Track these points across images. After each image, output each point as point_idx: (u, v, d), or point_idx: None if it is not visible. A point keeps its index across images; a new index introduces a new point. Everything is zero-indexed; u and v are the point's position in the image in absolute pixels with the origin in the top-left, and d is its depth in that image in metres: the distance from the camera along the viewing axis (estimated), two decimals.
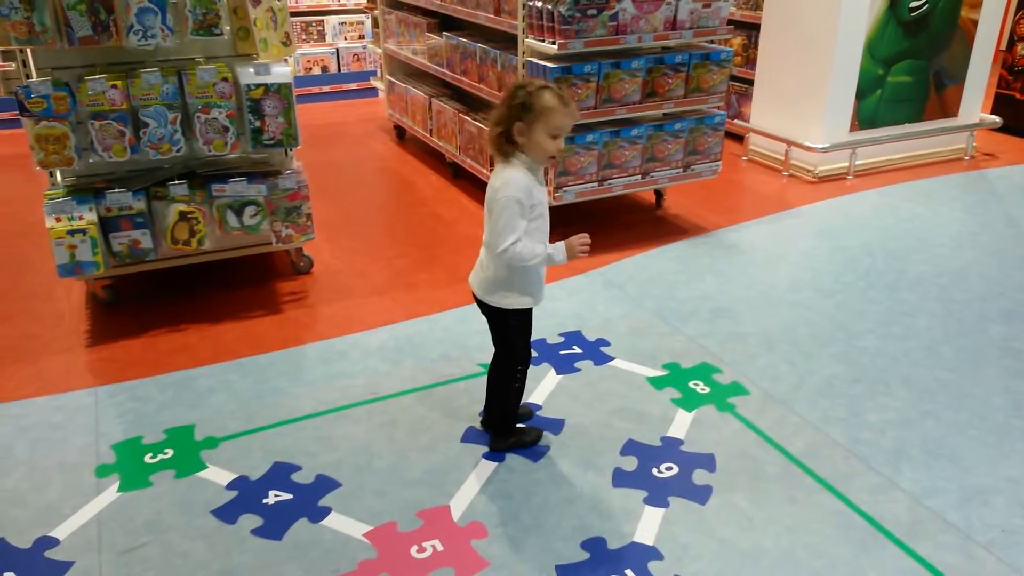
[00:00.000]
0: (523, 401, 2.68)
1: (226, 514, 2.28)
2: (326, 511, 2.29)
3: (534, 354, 2.91)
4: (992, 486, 2.38)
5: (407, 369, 3.00)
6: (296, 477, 2.43)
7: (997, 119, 5.62)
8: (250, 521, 2.26)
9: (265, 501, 2.33)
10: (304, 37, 7.11)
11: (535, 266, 2.27)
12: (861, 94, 5.00)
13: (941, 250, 4.04)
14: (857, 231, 4.28)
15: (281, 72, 3.21)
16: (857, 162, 5.10)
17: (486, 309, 2.41)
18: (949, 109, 5.37)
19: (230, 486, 2.39)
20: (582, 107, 3.82)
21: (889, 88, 5.08)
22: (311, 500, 2.33)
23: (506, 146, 2.20)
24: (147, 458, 2.52)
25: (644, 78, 3.91)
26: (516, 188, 2.17)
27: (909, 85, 5.15)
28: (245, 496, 2.35)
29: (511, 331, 2.42)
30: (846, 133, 5.05)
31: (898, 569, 2.08)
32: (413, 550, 2.14)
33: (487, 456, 2.51)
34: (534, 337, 3.17)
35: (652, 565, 2.09)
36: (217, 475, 2.44)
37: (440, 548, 2.14)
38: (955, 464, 2.48)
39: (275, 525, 2.24)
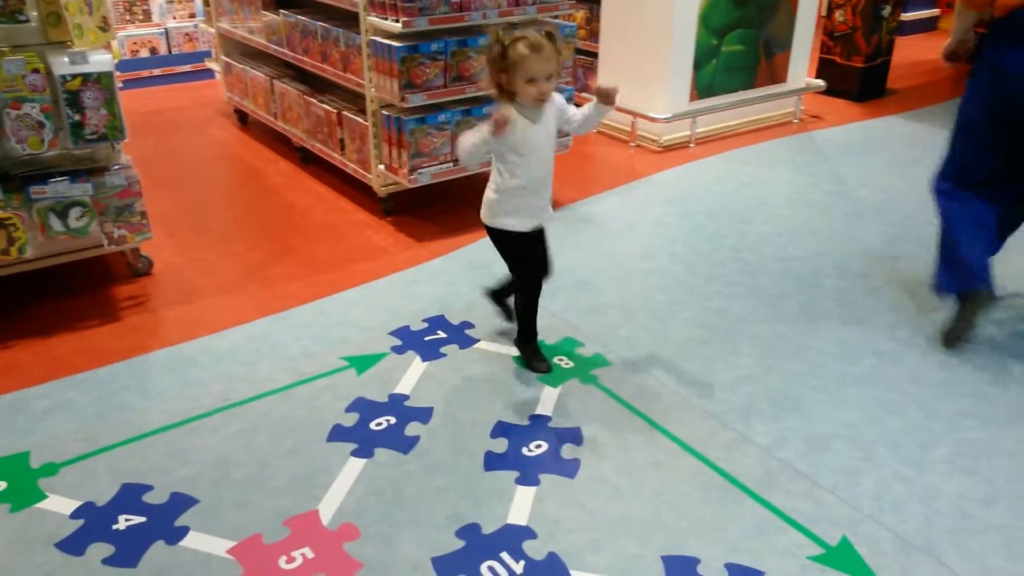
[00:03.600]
0: (393, 391, 2.66)
1: (72, 546, 2.11)
2: (184, 531, 2.16)
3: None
4: (833, 432, 2.56)
5: (264, 370, 2.87)
6: (148, 498, 2.28)
7: (821, 83, 6.00)
8: (100, 551, 2.10)
9: (115, 527, 2.17)
10: (128, 18, 6.61)
11: (480, 157, 2.69)
12: (698, 64, 5.20)
13: (778, 211, 4.29)
14: (702, 197, 4.47)
15: (100, 60, 2.96)
16: (698, 130, 5.32)
17: (487, 230, 2.75)
18: (778, 75, 5.68)
19: (75, 515, 2.21)
20: (430, 87, 3.76)
21: (723, 57, 5.31)
22: (167, 521, 2.20)
23: (502, 96, 2.53)
24: None
25: None
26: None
27: (741, 54, 5.40)
28: (92, 524, 2.19)
29: (505, 251, 2.77)
30: (686, 103, 5.25)
31: (755, 521, 2.20)
32: (282, 561, 2.06)
33: (355, 453, 2.45)
34: (397, 324, 3.15)
35: (527, 545, 2.12)
36: (59, 504, 2.25)
37: (311, 555, 2.07)
38: (799, 414, 2.65)
39: (128, 552, 2.09)
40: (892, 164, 4.96)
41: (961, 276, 3.00)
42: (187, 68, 6.77)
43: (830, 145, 5.34)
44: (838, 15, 6.17)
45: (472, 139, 2.58)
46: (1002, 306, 3.31)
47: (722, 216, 4.20)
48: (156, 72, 6.65)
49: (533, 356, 2.88)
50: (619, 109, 5.36)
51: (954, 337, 2.99)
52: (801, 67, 5.80)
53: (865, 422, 2.61)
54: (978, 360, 2.94)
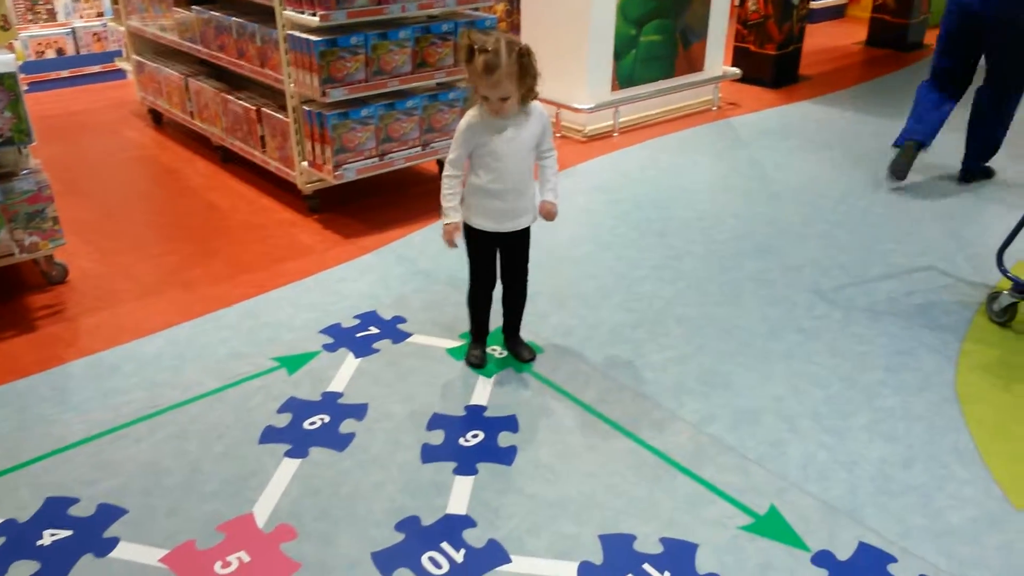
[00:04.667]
0: (326, 389, 2.66)
1: None
2: (113, 542, 2.10)
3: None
4: (760, 406, 2.65)
5: (191, 375, 2.80)
6: (74, 511, 2.21)
7: (737, 71, 6.17)
8: (25, 568, 2.02)
9: (40, 543, 2.10)
10: (31, 17, 6.32)
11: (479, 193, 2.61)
12: (618, 55, 5.28)
13: (699, 196, 4.39)
14: (626, 185, 4.55)
15: (3, 61, 2.83)
16: (620, 119, 5.40)
17: None
18: (696, 64, 5.81)
19: None
20: (351, 81, 3.72)
21: (642, 47, 5.41)
22: (94, 533, 2.13)
23: (474, 95, 2.49)
24: None
25: (413, 48, 3.87)
26: (463, 121, 2.53)
27: (660, 43, 5.50)
28: (15, 541, 2.10)
29: (467, 246, 2.71)
30: (608, 93, 5.32)
31: (687, 495, 2.26)
32: (217, 566, 2.02)
33: (289, 454, 2.42)
34: (328, 322, 3.11)
35: (467, 533, 2.13)
36: None
37: (247, 559, 2.04)
38: (727, 390, 2.73)
39: (55, 567, 2.02)
40: (806, 148, 5.14)
41: (904, 133, 4.45)
42: (97, 69, 6.52)
43: (747, 131, 5.50)
44: (751, 4, 6.35)
45: (444, 193, 2.61)
46: (914, 279, 3.47)
47: (647, 203, 4.29)
48: (64, 74, 6.38)
49: (469, 349, 2.90)
50: (543, 100, 5.40)
51: (893, 171, 4.40)
52: (717, 56, 5.94)
53: (790, 395, 2.70)
54: (892, 331, 3.08)
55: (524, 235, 2.71)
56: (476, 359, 2.85)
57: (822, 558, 2.04)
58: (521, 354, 2.88)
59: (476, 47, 2.37)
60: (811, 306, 3.26)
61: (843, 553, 2.06)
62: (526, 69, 2.39)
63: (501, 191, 2.56)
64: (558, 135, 5.37)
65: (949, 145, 4.67)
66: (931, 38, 7.87)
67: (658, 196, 4.38)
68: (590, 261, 3.65)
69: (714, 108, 5.95)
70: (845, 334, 3.06)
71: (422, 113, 4.02)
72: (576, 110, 5.18)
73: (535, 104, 2.54)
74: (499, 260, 2.75)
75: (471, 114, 2.53)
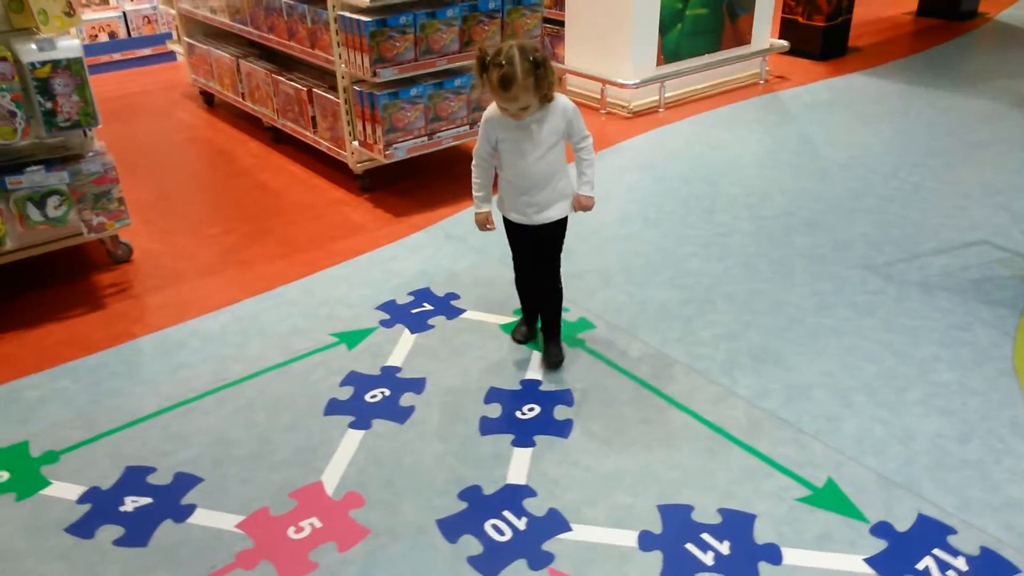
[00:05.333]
0: (385, 364, 2.76)
1: (82, 529, 2.15)
2: (191, 509, 2.21)
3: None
4: (812, 382, 2.66)
5: (255, 349, 2.90)
6: (152, 479, 2.32)
7: (785, 43, 6.08)
8: (110, 532, 2.14)
9: (122, 509, 2.21)
10: (84, 2, 6.46)
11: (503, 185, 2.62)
12: (663, 29, 5.24)
13: (747, 171, 4.37)
14: (673, 161, 4.54)
15: (69, 46, 2.93)
16: (666, 95, 5.38)
17: None
18: (743, 37, 5.74)
19: (81, 499, 2.24)
20: (401, 61, 3.77)
21: (688, 21, 5.36)
22: (173, 500, 2.24)
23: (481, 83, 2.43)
24: None
25: (460, 27, 3.90)
26: (485, 113, 2.51)
27: (706, 17, 5.45)
28: (99, 507, 2.22)
29: (506, 232, 2.71)
30: (653, 68, 5.29)
31: (743, 468, 2.30)
32: (291, 531, 2.11)
33: (353, 425, 2.50)
34: (383, 299, 3.19)
35: (527, 503, 2.19)
36: (64, 490, 2.28)
37: (319, 525, 2.13)
38: (779, 366, 2.75)
39: (138, 532, 2.13)
40: (856, 121, 5.07)
41: None
42: (148, 51, 6.66)
43: (795, 105, 5.43)
44: None
45: (474, 185, 2.63)
46: (967, 254, 3.44)
47: (694, 179, 4.28)
48: (116, 57, 6.52)
49: (516, 324, 2.96)
50: (588, 76, 5.41)
51: None
52: (764, 28, 5.86)
53: (842, 371, 2.71)
54: (946, 307, 3.06)
55: (555, 227, 2.61)
56: (520, 335, 2.91)
57: (881, 529, 2.07)
58: (546, 357, 2.76)
59: (489, 60, 2.30)
60: (863, 281, 3.25)
61: (902, 524, 2.09)
62: (542, 79, 2.31)
63: (525, 187, 2.52)
64: (603, 111, 5.36)
65: (1000, 122, 4.58)
66: (986, 5, 7.68)
67: (705, 172, 4.37)
68: (637, 238, 3.67)
69: (761, 82, 5.88)
70: (898, 309, 3.05)
71: (469, 92, 4.05)
72: (621, 85, 5.16)
73: (558, 98, 2.45)
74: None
75: (492, 108, 2.47)
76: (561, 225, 2.63)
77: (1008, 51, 6.58)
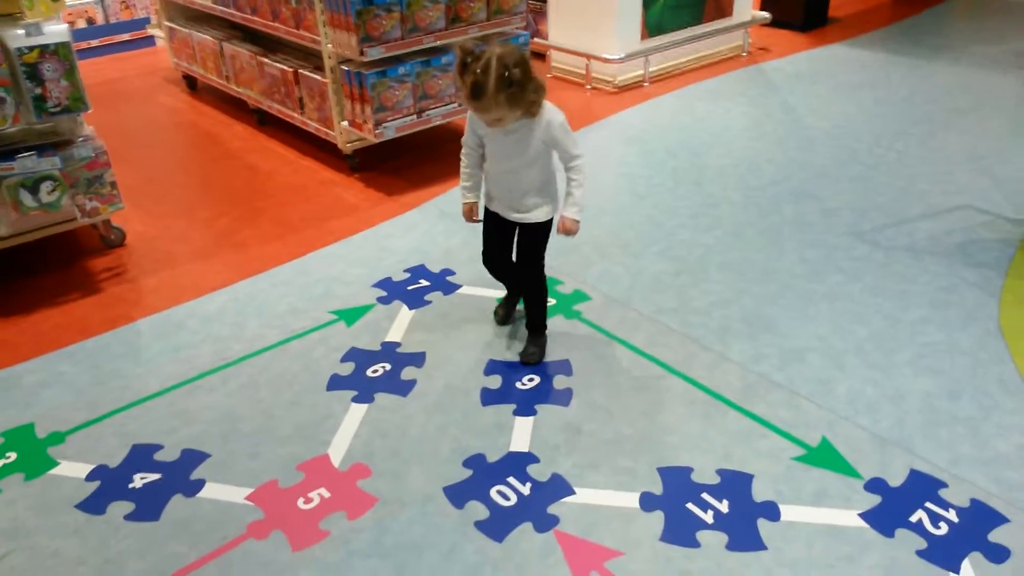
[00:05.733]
0: (384, 339, 2.80)
1: (92, 506, 2.18)
2: (200, 483, 2.24)
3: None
4: (805, 346, 2.72)
5: (254, 329, 2.92)
6: (159, 456, 2.35)
7: (767, 15, 6.11)
8: (121, 508, 2.17)
9: (131, 485, 2.24)
10: None
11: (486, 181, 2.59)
12: (646, 3, 5.25)
13: (734, 143, 4.41)
14: (660, 135, 4.57)
15: (56, 31, 2.91)
16: (651, 69, 5.40)
17: None
18: (725, 9, 5.76)
19: (89, 477, 2.27)
20: (388, 39, 3.76)
21: None
22: (182, 475, 2.27)
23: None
24: None
25: (447, 3, 3.89)
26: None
27: None
28: (108, 484, 2.25)
29: None
30: (637, 42, 5.31)
31: (739, 430, 2.36)
32: (300, 502, 2.15)
33: (356, 400, 2.53)
34: (379, 276, 3.21)
35: (531, 468, 2.24)
36: (72, 469, 2.31)
37: (327, 495, 2.17)
38: (772, 332, 2.80)
39: (149, 507, 2.17)
40: (839, 91, 5.12)
41: None
42: (126, 36, 6.59)
43: (779, 76, 5.47)
44: None
45: (461, 175, 2.59)
46: (952, 218, 3.51)
47: (681, 152, 4.32)
48: (94, 43, 6.45)
49: (499, 303, 2.94)
50: (573, 52, 5.41)
51: None
52: (746, 0, 5.88)
53: (834, 335, 2.77)
54: (933, 270, 3.12)
55: (537, 228, 2.53)
56: (498, 317, 2.89)
57: (875, 485, 2.14)
58: (522, 352, 2.69)
59: (468, 64, 2.20)
60: (850, 248, 3.31)
61: (895, 480, 2.15)
62: (516, 96, 2.20)
63: (508, 186, 2.48)
64: (588, 87, 5.38)
65: (980, 88, 4.64)
66: None
67: (692, 144, 4.40)
68: (628, 211, 3.70)
69: (744, 54, 5.92)
70: (886, 273, 3.11)
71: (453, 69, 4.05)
72: (606, 60, 5.18)
73: (545, 110, 2.34)
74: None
75: None
76: (544, 228, 2.54)
77: (984, 19, 6.65)
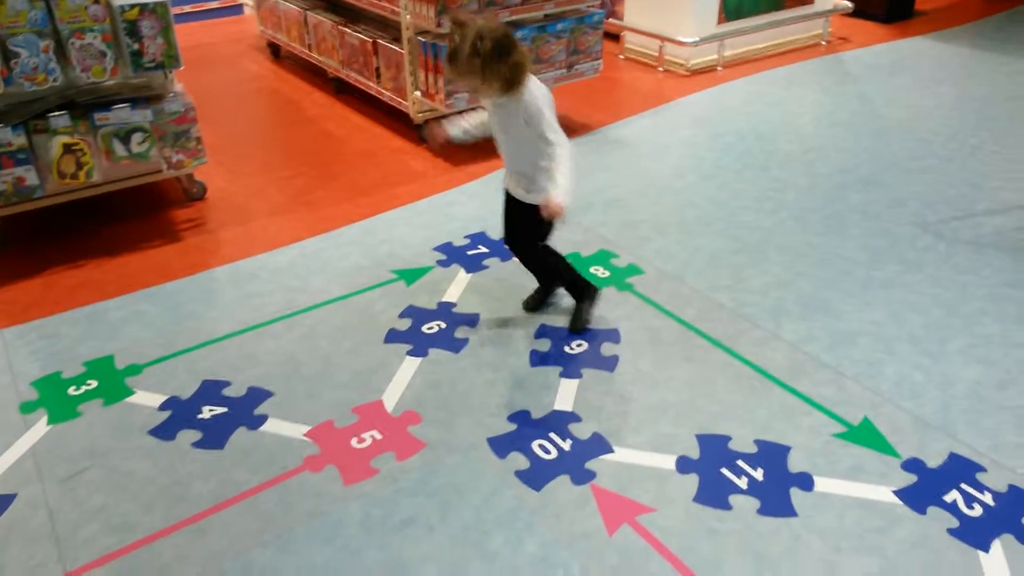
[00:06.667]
0: (441, 299, 2.93)
1: (163, 432, 2.35)
2: (263, 418, 2.39)
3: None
4: (858, 330, 2.72)
5: (319, 283, 3.07)
6: (227, 392, 2.51)
7: (849, 4, 5.98)
8: (189, 436, 2.34)
9: (200, 416, 2.41)
10: None
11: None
12: None
13: (804, 129, 4.37)
14: (730, 118, 4.56)
15: None
16: (726, 53, 5.37)
17: None
18: None
19: (162, 407, 2.45)
20: (469, 10, 3.86)
21: None
22: (246, 410, 2.43)
23: None
24: (71, 391, 2.53)
25: None
26: None
27: None
28: (179, 414, 2.42)
29: None
30: (714, 26, 5.28)
31: (782, 405, 2.39)
32: (353, 441, 2.29)
33: (411, 353, 2.66)
34: (441, 240, 3.33)
35: (572, 426, 2.32)
36: (147, 399, 2.49)
37: (379, 436, 2.30)
38: (827, 314, 2.81)
39: (215, 436, 2.33)
40: (918, 84, 5.00)
41: None
42: (217, 4, 6.86)
43: (857, 66, 5.37)
44: None
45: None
46: (1020, 214, 3.42)
47: (750, 136, 4.30)
48: (186, 9, 6.73)
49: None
50: (646, 33, 5.42)
51: None
52: None
53: (888, 321, 2.77)
54: (996, 264, 3.07)
55: (528, 209, 2.52)
56: (525, 304, 2.88)
57: (912, 464, 2.15)
58: (572, 321, 2.74)
59: (451, 30, 2.32)
60: (914, 238, 3.27)
61: (933, 461, 2.16)
62: (490, 70, 2.26)
63: (505, 155, 2.57)
64: (661, 69, 5.38)
65: None
66: None
67: (762, 129, 4.38)
68: (692, 191, 3.73)
69: (823, 43, 5.81)
70: (948, 265, 3.07)
71: (531, 44, 4.13)
72: (680, 43, 5.17)
73: (526, 91, 2.36)
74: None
75: None
76: (532, 212, 2.46)
77: None
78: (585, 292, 2.78)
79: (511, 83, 2.33)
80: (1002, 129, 4.29)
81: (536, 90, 2.40)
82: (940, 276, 3.01)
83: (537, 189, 2.48)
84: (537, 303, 2.88)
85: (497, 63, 2.28)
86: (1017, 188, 3.65)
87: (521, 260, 2.80)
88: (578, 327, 2.74)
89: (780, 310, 2.84)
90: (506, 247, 2.81)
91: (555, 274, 2.78)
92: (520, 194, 2.57)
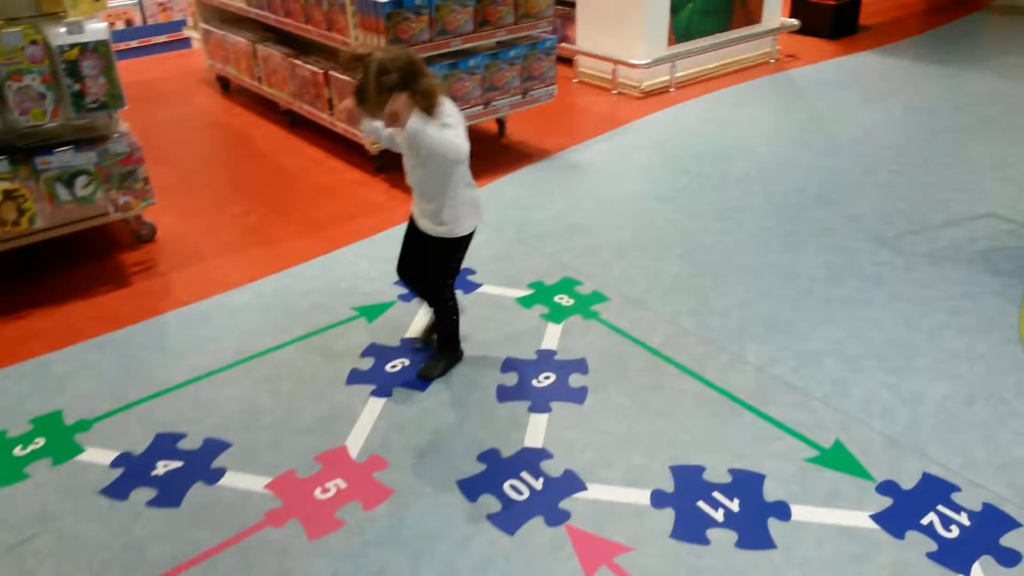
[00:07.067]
0: (404, 336, 2.83)
1: (116, 491, 2.24)
2: (221, 472, 2.30)
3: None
4: (822, 349, 2.72)
5: (278, 323, 2.99)
6: (182, 444, 2.41)
7: (795, 22, 6.09)
8: (143, 494, 2.23)
9: (154, 472, 2.30)
10: None
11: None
12: (675, 9, 5.27)
13: (758, 148, 4.41)
14: (685, 139, 4.59)
15: (96, 29, 3.01)
16: (677, 74, 5.41)
17: None
18: (753, 16, 5.76)
19: (114, 464, 2.34)
20: (417, 42, 3.83)
21: (699, 0, 5.38)
22: (203, 464, 2.33)
23: None
24: (17, 451, 2.40)
25: (475, 7, 3.95)
26: None
27: None
28: (132, 471, 2.31)
29: None
30: (664, 47, 5.33)
31: (753, 431, 2.37)
32: (317, 492, 2.20)
33: (375, 394, 2.58)
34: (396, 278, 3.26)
35: (544, 464, 2.27)
36: (97, 456, 2.38)
37: (343, 485, 2.22)
38: (790, 335, 2.81)
39: (171, 493, 2.23)
40: (866, 98, 5.09)
41: None
42: (163, 38, 6.74)
43: (806, 83, 5.46)
44: None
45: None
46: (975, 226, 3.48)
47: (706, 157, 4.33)
48: (132, 44, 6.61)
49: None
50: (599, 57, 5.45)
51: None
52: (775, 7, 5.88)
53: (852, 338, 2.77)
54: (954, 276, 3.11)
55: (432, 243, 2.48)
56: (417, 341, 2.83)
57: (887, 487, 2.14)
58: (423, 366, 2.67)
59: (354, 67, 2.24)
60: (872, 253, 3.30)
61: (907, 483, 2.15)
62: (375, 96, 2.18)
63: (413, 188, 2.47)
64: (614, 91, 5.40)
65: (1009, 98, 4.60)
66: None
67: (716, 149, 4.41)
68: (650, 214, 3.72)
69: (772, 60, 5.91)
70: (907, 280, 3.10)
71: (484, 72, 4.11)
72: (633, 65, 5.20)
73: (443, 108, 2.28)
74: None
75: None
76: (443, 244, 2.46)
77: (1017, 29, 6.57)
78: (455, 351, 2.71)
79: (426, 110, 2.23)
80: (950, 141, 4.38)
81: (444, 110, 2.29)
82: (900, 291, 3.03)
83: (440, 224, 2.42)
84: (428, 337, 2.81)
85: (411, 92, 2.18)
86: (968, 200, 3.72)
87: (421, 293, 2.69)
88: (431, 376, 2.64)
89: (745, 332, 2.83)
90: (400, 275, 2.68)
91: (447, 315, 2.64)
92: (427, 226, 2.46)
